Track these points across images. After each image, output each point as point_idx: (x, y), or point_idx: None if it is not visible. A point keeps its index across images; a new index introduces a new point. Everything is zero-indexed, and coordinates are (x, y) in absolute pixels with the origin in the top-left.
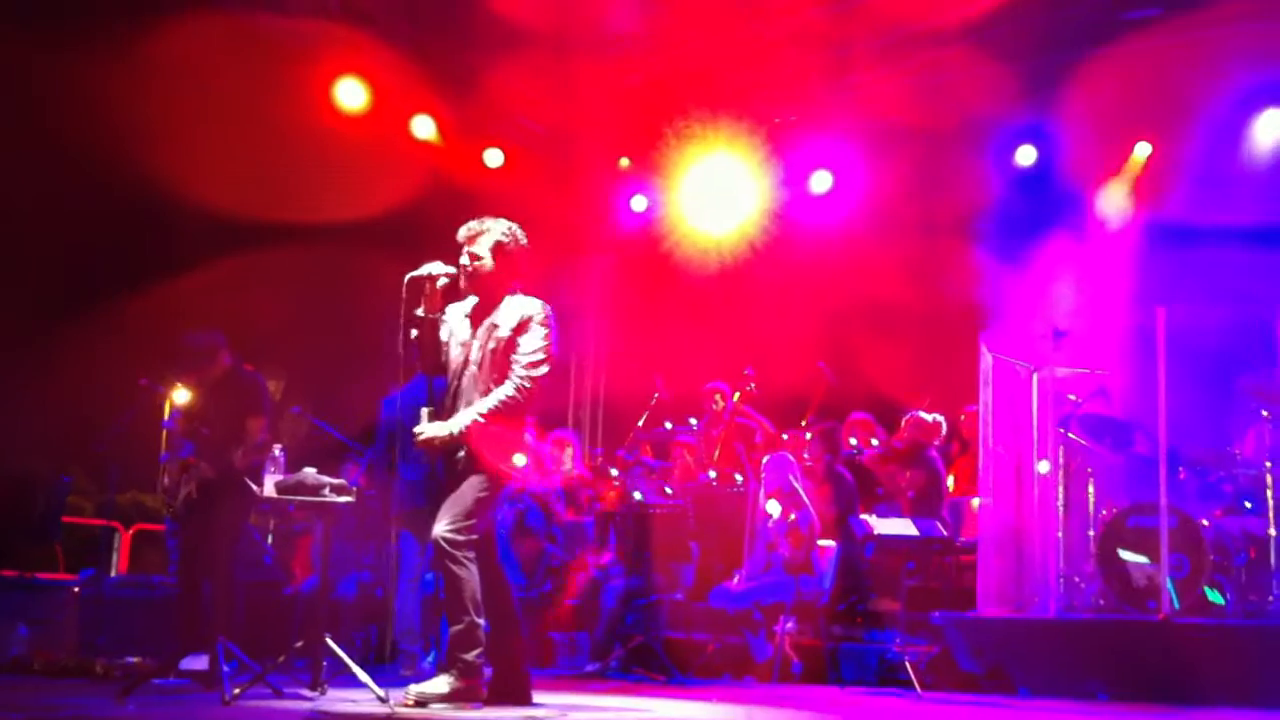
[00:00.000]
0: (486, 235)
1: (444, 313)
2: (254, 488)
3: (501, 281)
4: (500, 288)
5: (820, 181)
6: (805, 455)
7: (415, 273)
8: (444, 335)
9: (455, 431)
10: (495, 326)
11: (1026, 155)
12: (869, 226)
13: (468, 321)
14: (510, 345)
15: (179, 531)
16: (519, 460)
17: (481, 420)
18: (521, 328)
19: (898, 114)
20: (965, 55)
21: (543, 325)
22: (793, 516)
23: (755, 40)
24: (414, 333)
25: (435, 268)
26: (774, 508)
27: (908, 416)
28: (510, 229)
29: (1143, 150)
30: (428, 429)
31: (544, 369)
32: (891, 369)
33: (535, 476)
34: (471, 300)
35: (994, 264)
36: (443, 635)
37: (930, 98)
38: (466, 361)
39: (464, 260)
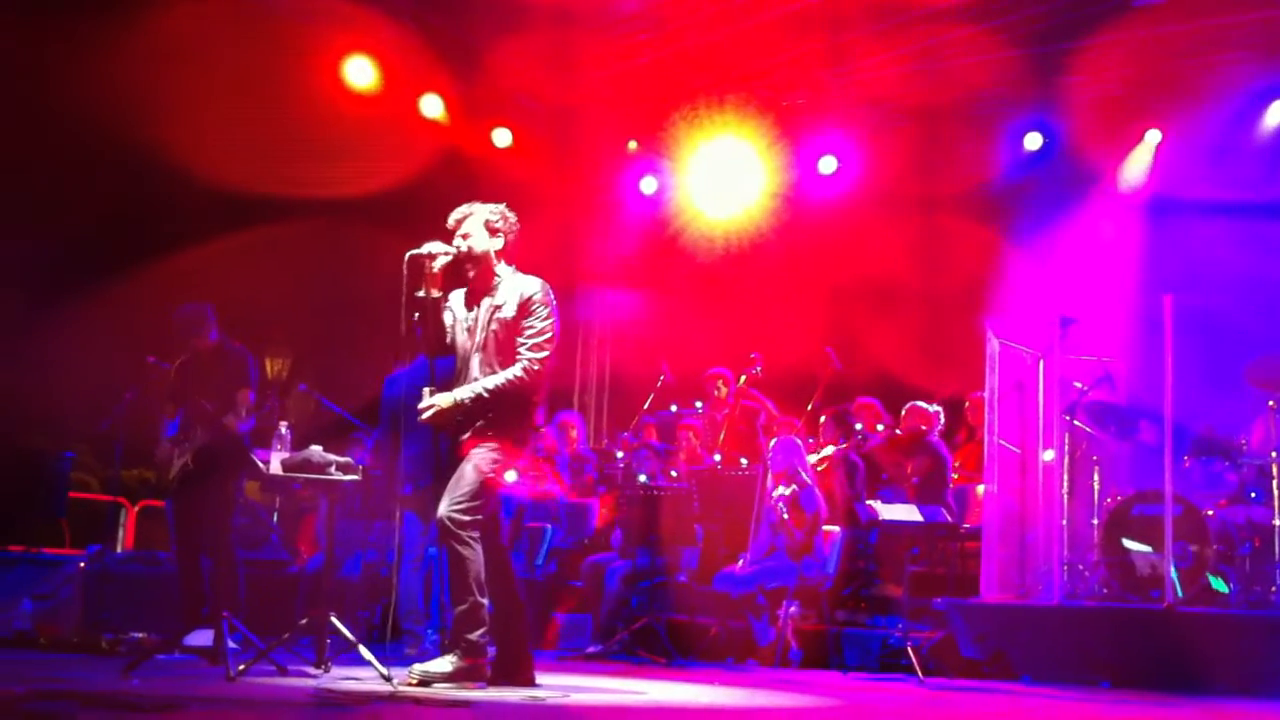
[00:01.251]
0: (474, 217)
1: (446, 295)
2: (250, 456)
3: (493, 260)
4: (492, 266)
5: (828, 165)
6: (821, 439)
7: (415, 251)
8: (447, 320)
9: (460, 400)
10: (497, 308)
11: (1034, 140)
12: (876, 211)
13: (466, 306)
14: (515, 328)
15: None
16: (510, 476)
17: (486, 395)
18: (524, 309)
19: (906, 98)
20: (976, 39)
21: (545, 305)
22: (792, 488)
23: (762, 22)
24: (416, 314)
25: (435, 247)
26: (780, 492)
27: (907, 406)
28: (498, 209)
29: (1152, 137)
30: (434, 400)
31: (549, 350)
32: (898, 353)
33: (525, 486)
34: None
35: (1001, 250)
36: (448, 613)
37: (938, 82)
38: (472, 346)
39: (457, 243)
